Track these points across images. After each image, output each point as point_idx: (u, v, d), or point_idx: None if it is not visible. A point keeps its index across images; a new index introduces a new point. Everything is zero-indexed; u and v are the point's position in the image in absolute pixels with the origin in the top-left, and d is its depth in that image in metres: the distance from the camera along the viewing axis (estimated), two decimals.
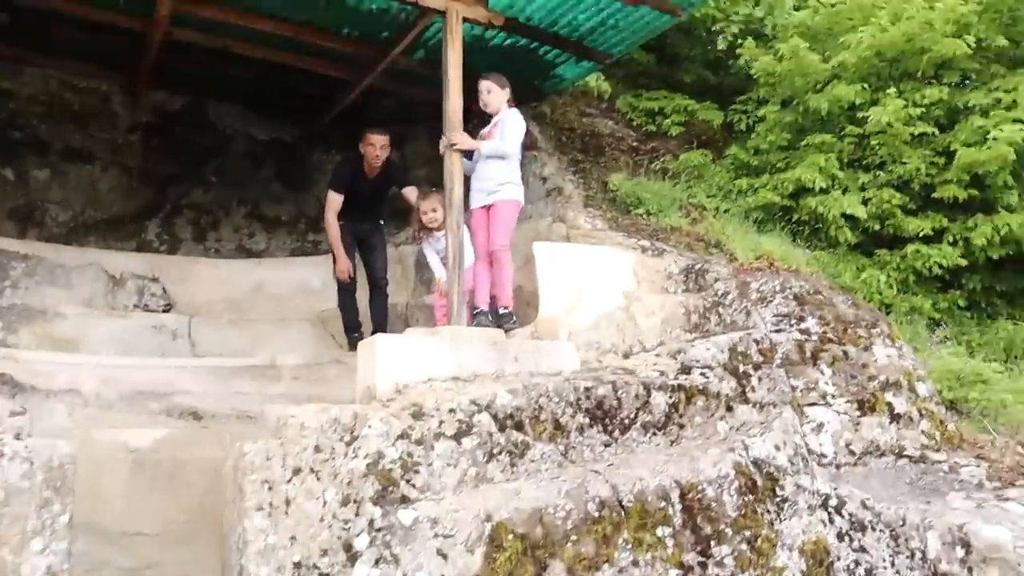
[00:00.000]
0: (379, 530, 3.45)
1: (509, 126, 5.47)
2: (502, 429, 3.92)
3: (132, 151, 8.09)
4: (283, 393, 6.33)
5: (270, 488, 3.38)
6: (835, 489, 4.29)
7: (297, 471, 3.44)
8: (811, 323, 5.14)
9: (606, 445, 4.27)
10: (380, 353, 3.95)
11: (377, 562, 3.39)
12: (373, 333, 6.49)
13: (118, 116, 8.01)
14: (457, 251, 4.81)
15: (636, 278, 5.42)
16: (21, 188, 7.47)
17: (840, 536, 4.15)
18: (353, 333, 6.47)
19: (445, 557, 3.35)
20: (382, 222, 6.84)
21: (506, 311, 5.02)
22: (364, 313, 6.64)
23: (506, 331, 4.86)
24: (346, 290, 6.56)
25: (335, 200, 6.54)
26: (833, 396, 4.83)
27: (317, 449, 3.50)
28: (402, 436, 3.66)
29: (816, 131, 7.26)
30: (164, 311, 7.35)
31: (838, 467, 4.60)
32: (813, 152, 7.06)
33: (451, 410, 3.83)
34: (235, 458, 3.51)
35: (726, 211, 6.86)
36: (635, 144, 7.96)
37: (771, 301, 5.20)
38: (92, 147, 7.88)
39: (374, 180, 6.60)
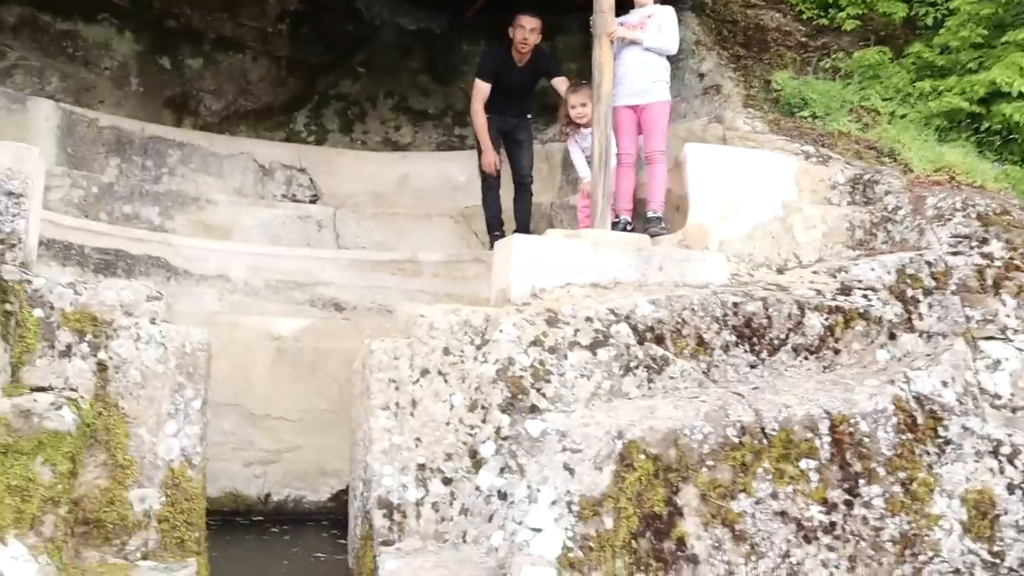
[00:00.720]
0: (505, 439, 3.33)
1: (668, 21, 5.07)
2: (641, 342, 3.69)
3: (282, 40, 8.08)
4: (422, 289, 6.33)
5: (397, 388, 3.31)
6: (1009, 436, 3.84)
7: (425, 372, 3.34)
8: (995, 246, 4.54)
9: (752, 366, 3.97)
10: (516, 255, 3.77)
11: (502, 471, 3.29)
12: (515, 232, 6.32)
13: (268, 4, 7.98)
14: (603, 149, 4.50)
15: (797, 187, 4.96)
16: (177, 76, 7.62)
17: (1011, 488, 3.72)
18: (495, 232, 6.31)
19: (572, 472, 3.19)
20: (529, 116, 6.56)
21: (655, 215, 4.71)
22: (508, 211, 6.46)
23: (652, 236, 4.56)
24: (490, 186, 6.37)
25: (482, 88, 6.29)
26: (1015, 331, 4.28)
27: (446, 351, 3.39)
28: (535, 343, 3.49)
29: (1019, 26, 6.34)
30: (310, 202, 7.44)
31: (1014, 411, 4.11)
32: (1014, 51, 6.17)
33: (588, 318, 3.62)
34: (363, 355, 3.45)
35: (903, 117, 6.15)
36: (803, 40, 7.24)
37: (949, 219, 4.63)
38: (243, 36, 7.91)
39: (522, 69, 6.29)
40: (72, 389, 2.82)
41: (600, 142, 4.52)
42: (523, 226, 6.35)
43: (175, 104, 7.59)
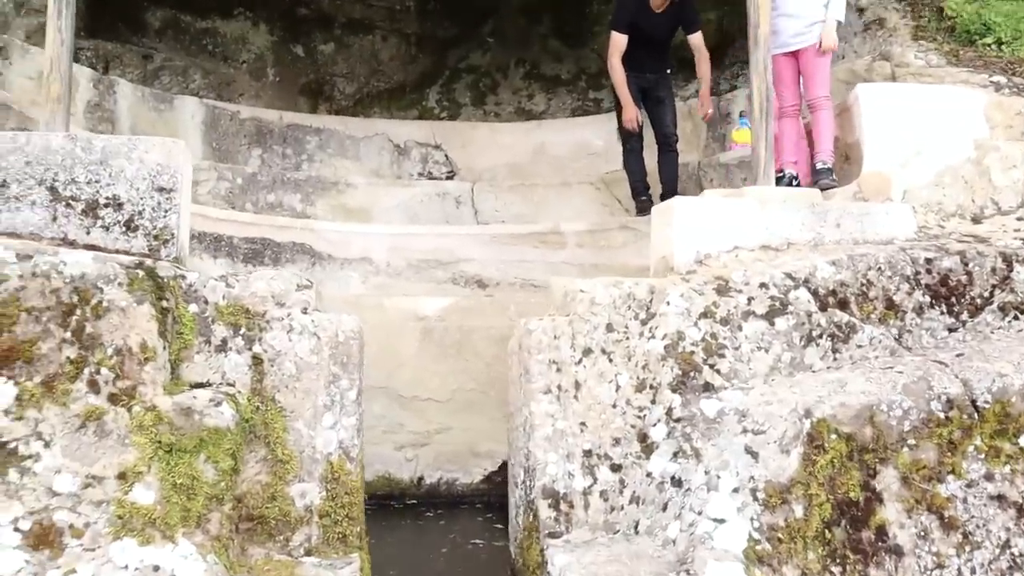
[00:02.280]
0: (678, 420, 3.04)
1: None
2: (823, 308, 3.30)
3: (410, 17, 7.98)
4: (567, 261, 6.08)
5: (558, 369, 3.08)
6: None
7: (587, 352, 3.09)
8: None
9: (951, 330, 3.50)
10: (678, 219, 3.44)
11: (675, 456, 3.00)
12: (662, 196, 5.97)
13: None
14: (763, 98, 4.09)
15: (989, 123, 4.38)
16: (310, 63, 7.65)
17: None
18: (641, 196, 5.97)
19: (755, 456, 2.87)
20: (669, 71, 6.15)
21: (824, 166, 4.25)
22: (652, 174, 6.10)
23: (823, 189, 4.12)
24: (632, 148, 6.02)
25: (618, 41, 5.92)
26: None
27: (609, 328, 3.12)
28: (705, 314, 3.18)
29: None
30: (447, 178, 7.32)
31: None
32: None
33: (762, 284, 3.27)
34: (520, 335, 3.23)
35: None
36: None
37: None
38: (372, 16, 7.86)
39: (660, 17, 5.89)
40: (230, 384, 2.73)
41: (760, 91, 4.10)
42: (670, 189, 5.98)
43: (310, 91, 7.62)
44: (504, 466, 5.40)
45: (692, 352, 3.11)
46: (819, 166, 4.24)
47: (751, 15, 4.21)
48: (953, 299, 3.52)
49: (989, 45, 5.38)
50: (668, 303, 3.14)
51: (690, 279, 3.31)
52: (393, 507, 5.06)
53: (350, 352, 2.95)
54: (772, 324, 3.21)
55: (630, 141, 6.00)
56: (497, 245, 6.21)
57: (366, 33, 7.85)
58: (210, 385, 2.70)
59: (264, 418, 2.74)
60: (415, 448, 5.38)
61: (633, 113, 5.89)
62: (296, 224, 5.94)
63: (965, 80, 4.73)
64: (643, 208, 5.93)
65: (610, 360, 3.09)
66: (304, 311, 2.90)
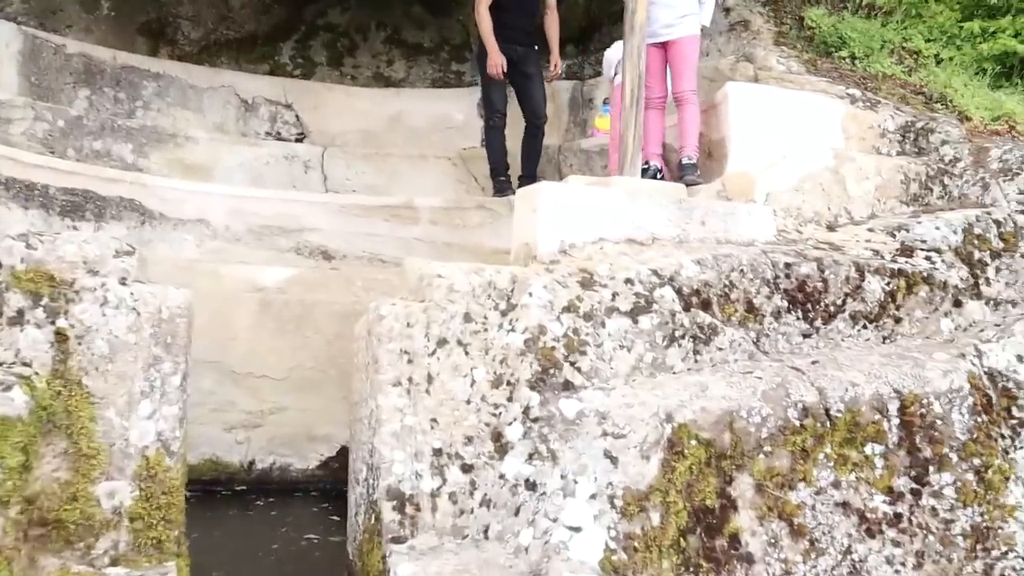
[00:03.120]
0: (536, 420, 2.88)
1: None
2: (687, 308, 3.23)
3: None
4: (419, 237, 5.83)
5: (410, 360, 2.84)
6: None
7: (442, 342, 2.87)
8: None
9: (805, 336, 3.52)
10: (544, 205, 3.27)
11: (531, 457, 2.84)
12: (522, 179, 5.82)
13: None
14: (635, 86, 3.98)
15: (844, 134, 4.48)
16: (152, 1, 6.95)
17: None
18: (499, 176, 5.79)
19: (615, 461, 2.75)
20: (537, 48, 5.99)
21: (690, 162, 4.19)
22: (512, 155, 5.93)
23: (688, 185, 4.07)
24: (494, 125, 5.81)
25: None
26: None
27: (467, 318, 2.91)
28: (568, 308, 3.02)
29: None
30: (296, 140, 6.87)
31: None
32: None
33: (628, 280, 3.15)
34: (370, 320, 2.96)
35: (949, 60, 5.65)
36: None
37: (1018, 174, 4.18)
38: None
39: None
40: (25, 364, 2.31)
41: (632, 79, 3.99)
42: (531, 170, 5.85)
43: (150, 31, 6.94)
44: (342, 452, 5.11)
45: (553, 348, 2.95)
46: (685, 161, 4.19)
47: (628, 1, 4.08)
48: (809, 305, 3.54)
49: (844, 58, 5.54)
50: (531, 294, 2.97)
51: (554, 270, 3.15)
52: (220, 495, 4.67)
53: (176, 331, 2.59)
54: (636, 322, 3.11)
55: (493, 117, 5.80)
56: (346, 216, 5.86)
57: None
58: (0, 365, 2.28)
59: (67, 405, 2.35)
60: (247, 430, 4.99)
61: (498, 59, 5.67)
62: (125, 177, 5.37)
63: (824, 90, 4.82)
64: (500, 189, 5.77)
65: (466, 352, 2.88)
66: (123, 281, 2.51)
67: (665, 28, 4.49)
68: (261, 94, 6.87)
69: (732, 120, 4.16)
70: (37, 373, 2.32)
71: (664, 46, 4.45)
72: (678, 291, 3.23)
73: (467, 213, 5.59)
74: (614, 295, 3.11)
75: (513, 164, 5.97)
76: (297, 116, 6.92)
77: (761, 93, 4.29)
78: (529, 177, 5.80)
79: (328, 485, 4.87)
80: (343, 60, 7.58)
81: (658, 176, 4.32)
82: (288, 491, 4.88)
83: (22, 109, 5.40)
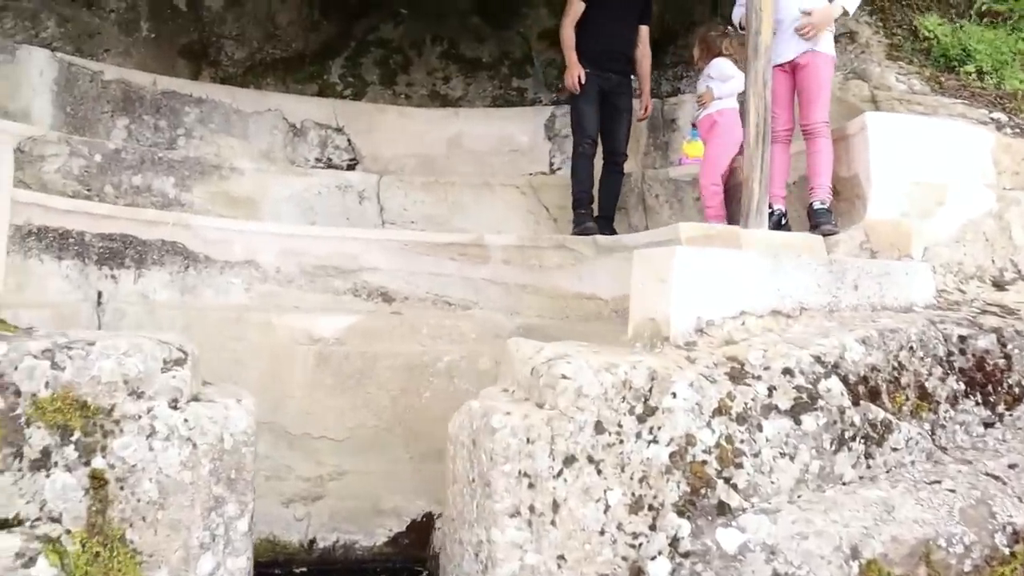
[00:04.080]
0: (686, 555, 2.30)
1: None
2: (856, 402, 2.63)
3: None
4: (490, 278, 5.28)
5: (531, 484, 2.27)
6: None
7: (570, 460, 2.30)
8: None
9: (987, 424, 2.91)
10: (678, 274, 2.68)
11: None
12: (598, 219, 5.24)
13: None
14: (761, 119, 3.38)
15: (997, 167, 3.84)
16: (194, 20, 6.45)
17: None
18: (581, 210, 5.19)
19: None
20: (633, 78, 5.40)
21: (823, 207, 3.56)
22: None
23: (824, 235, 3.46)
24: (583, 153, 5.20)
25: (575, 7, 5.22)
26: None
27: (599, 428, 2.34)
28: (719, 411, 2.44)
29: None
30: (349, 167, 6.34)
31: None
32: None
33: (787, 371, 2.56)
34: (476, 430, 2.40)
35: None
36: None
37: None
38: None
39: None
40: (53, 520, 1.79)
41: (757, 110, 3.40)
42: (609, 211, 5.27)
43: (192, 53, 6.44)
44: (412, 527, 4.58)
45: (704, 462, 2.37)
46: (816, 205, 3.56)
47: (751, 20, 3.49)
48: (990, 387, 2.93)
49: (970, 74, 4.89)
50: (674, 395, 2.38)
51: (696, 358, 2.56)
52: None
53: (241, 464, 2.05)
54: (798, 423, 2.51)
55: (583, 143, 5.22)
56: (408, 254, 5.32)
57: None
58: (20, 524, 1.75)
59: (107, 568, 1.81)
60: (306, 503, 4.47)
61: (577, 71, 5.15)
62: (167, 219, 4.86)
63: (963, 114, 4.19)
64: (581, 222, 5.18)
65: (599, 471, 2.31)
66: (174, 404, 1.97)
67: (795, 47, 3.85)
68: (310, 117, 6.34)
69: (872, 156, 3.54)
70: (69, 531, 1.79)
71: (792, 68, 3.82)
72: (844, 380, 2.63)
73: (544, 252, 5.02)
74: (771, 390, 2.52)
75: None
76: (349, 140, 6.39)
77: (904, 123, 3.67)
78: (607, 218, 5.23)
79: (398, 564, 4.36)
80: (396, 78, 7.03)
81: (783, 221, 3.71)
82: (354, 571, 4.35)
83: (56, 145, 4.92)
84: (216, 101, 6.02)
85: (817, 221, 3.50)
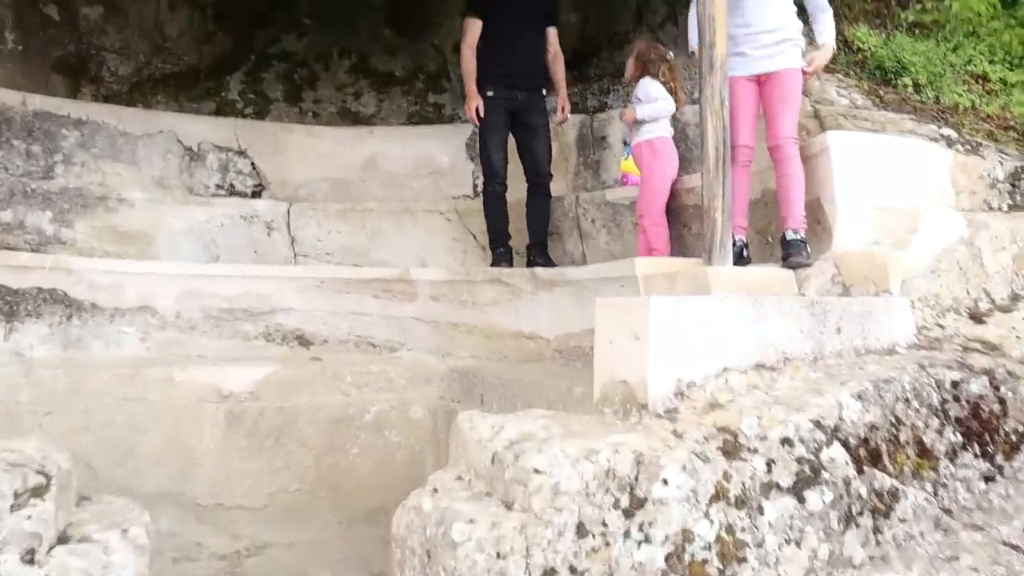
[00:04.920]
0: None
1: None
2: (860, 469, 2.31)
3: None
4: (418, 316, 4.84)
5: None
6: None
7: (550, 574, 1.90)
8: None
9: (987, 479, 2.64)
10: (656, 330, 2.31)
11: None
12: (530, 248, 4.88)
13: None
14: (720, 141, 3.07)
15: (955, 187, 3.64)
16: (69, 31, 5.79)
17: None
18: (499, 247, 4.83)
19: None
20: (544, 93, 5.06)
21: (796, 238, 3.24)
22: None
23: (793, 268, 3.16)
24: (493, 192, 4.87)
25: (473, 26, 4.92)
26: None
27: (580, 530, 1.94)
28: (717, 496, 2.08)
29: None
30: (254, 193, 5.81)
31: None
32: None
33: (785, 441, 2.22)
34: (430, 538, 1.97)
35: (1019, 84, 4.90)
36: None
37: None
38: None
39: None
40: None
41: (716, 132, 3.08)
42: (541, 236, 4.91)
43: (68, 68, 5.80)
44: None
45: (705, 561, 2.01)
46: (790, 236, 3.25)
47: (704, 30, 3.16)
48: (987, 436, 2.67)
49: (907, 87, 4.73)
50: (665, 482, 2.02)
51: (683, 432, 2.20)
52: None
53: None
54: (802, 501, 2.18)
55: (492, 183, 4.87)
56: (325, 292, 4.85)
57: None
58: None
59: None
60: None
61: (475, 102, 4.84)
62: (43, 262, 4.26)
63: (912, 130, 3.99)
64: (498, 262, 4.81)
65: None
66: (30, 556, 1.47)
67: (765, 57, 3.54)
68: (208, 139, 5.77)
69: (837, 179, 3.28)
70: None
71: (757, 80, 3.51)
72: (845, 444, 2.32)
73: (477, 287, 4.61)
74: (769, 464, 2.18)
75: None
76: (253, 164, 5.85)
77: (868, 143, 3.40)
78: (540, 245, 4.88)
79: None
80: (302, 94, 6.53)
81: (744, 254, 3.40)
82: None
83: None
84: (99, 122, 5.40)
85: (788, 253, 3.20)
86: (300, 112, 6.47)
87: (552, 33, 5.13)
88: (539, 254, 4.85)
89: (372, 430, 4.40)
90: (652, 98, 4.26)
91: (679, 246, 4.21)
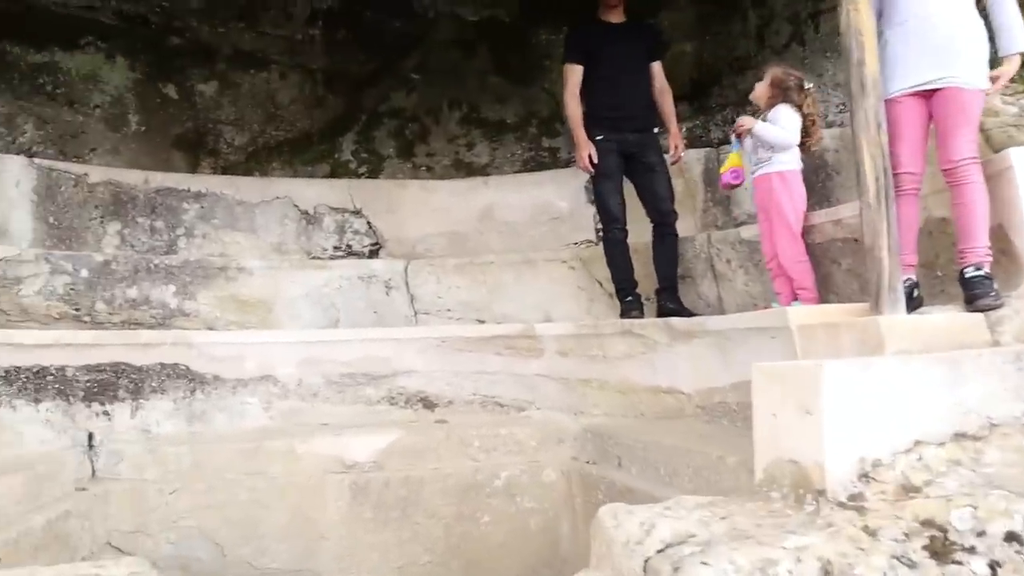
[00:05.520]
0: None
1: None
2: None
3: (314, 49, 6.34)
4: (544, 373, 4.57)
5: None
6: None
7: None
8: None
9: None
10: (831, 400, 1.93)
11: None
12: (660, 292, 4.53)
13: (293, 4, 6.25)
14: (880, 170, 2.66)
15: None
16: (187, 108, 5.89)
17: None
18: (627, 297, 4.51)
19: None
20: (656, 130, 4.75)
21: (979, 274, 2.76)
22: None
23: (982, 311, 2.70)
24: (613, 238, 4.58)
25: (574, 73, 4.71)
26: None
27: None
28: None
29: None
30: (371, 253, 5.70)
31: None
32: None
33: (1011, 536, 1.79)
34: None
35: None
36: None
37: None
38: (266, 48, 6.18)
39: (622, 36, 4.71)
40: None
41: (874, 159, 2.67)
42: (670, 280, 4.55)
43: (188, 143, 5.88)
44: None
45: None
46: (971, 273, 2.79)
47: (850, 47, 2.78)
48: None
49: None
50: None
51: (876, 528, 1.80)
52: None
53: None
54: None
55: (611, 228, 4.57)
56: (447, 351, 4.64)
57: (259, 69, 6.18)
58: None
59: None
60: None
61: (586, 151, 4.57)
62: (165, 339, 4.22)
63: None
64: (628, 311, 4.48)
65: None
66: None
67: (937, 68, 2.99)
68: (323, 201, 5.72)
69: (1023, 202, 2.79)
70: None
71: (926, 96, 3.05)
72: None
73: (607, 340, 4.28)
74: (993, 568, 1.75)
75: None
76: (369, 223, 5.76)
77: None
78: (670, 289, 4.52)
79: None
80: (414, 149, 6.42)
81: (914, 295, 2.94)
82: None
83: (34, 264, 4.30)
84: (217, 194, 5.43)
85: (974, 293, 2.72)
86: (413, 167, 6.36)
87: (657, 68, 4.85)
88: (669, 299, 4.50)
89: (503, 496, 4.14)
90: (782, 127, 3.89)
91: (826, 285, 3.79)
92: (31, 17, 5.40)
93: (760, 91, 3.99)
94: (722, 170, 4.24)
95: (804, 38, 5.60)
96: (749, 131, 3.91)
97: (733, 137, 4.13)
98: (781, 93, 3.88)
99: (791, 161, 3.87)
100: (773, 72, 3.96)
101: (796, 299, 3.67)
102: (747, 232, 4.43)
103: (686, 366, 3.93)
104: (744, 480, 2.75)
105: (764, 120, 3.99)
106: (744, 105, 5.21)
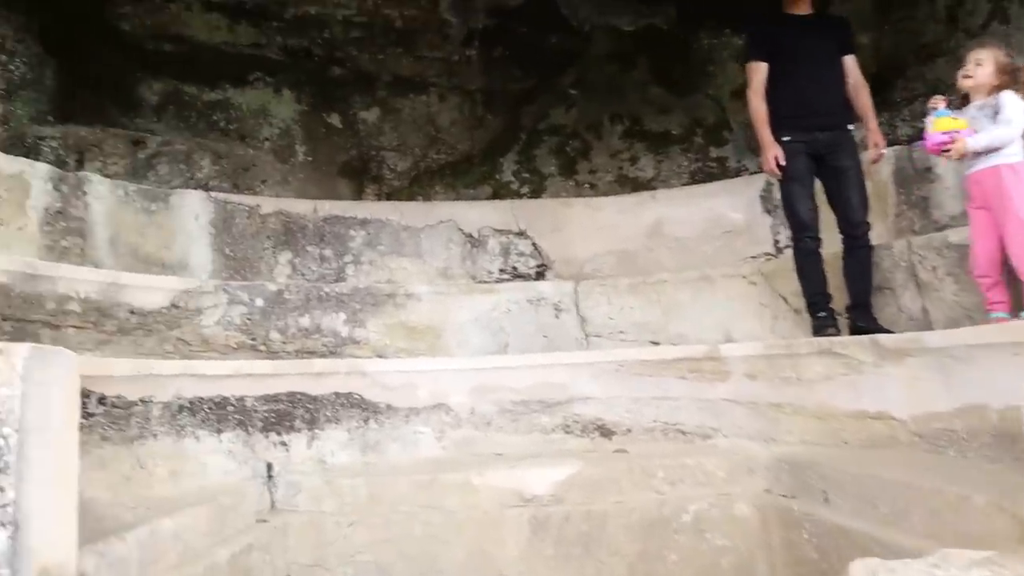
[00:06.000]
0: None
1: None
2: None
3: (471, 70, 6.29)
4: (731, 398, 4.18)
5: None
6: None
7: None
8: None
9: None
10: None
11: None
12: (852, 309, 4.10)
13: (449, 25, 6.21)
14: None
15: None
16: (350, 136, 5.93)
17: None
18: (819, 312, 4.09)
19: None
20: (851, 128, 4.33)
21: None
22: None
23: None
24: (804, 248, 4.20)
25: (757, 71, 4.36)
26: None
27: None
28: None
29: None
30: (537, 275, 5.52)
31: None
32: None
33: None
34: None
35: None
36: None
37: None
38: (424, 72, 6.17)
39: (808, 25, 4.36)
40: None
41: None
42: (863, 297, 4.10)
43: (352, 171, 5.92)
44: None
45: None
46: None
47: None
48: None
49: None
50: None
51: None
52: None
53: None
54: None
55: (802, 237, 4.19)
56: (625, 376, 4.34)
57: (418, 93, 6.17)
58: None
59: None
60: None
61: (773, 152, 4.21)
62: (339, 368, 4.14)
63: None
64: (821, 328, 4.06)
65: None
66: None
67: None
68: (487, 223, 5.59)
69: None
70: None
71: None
72: None
73: (801, 361, 3.88)
74: None
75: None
76: (534, 244, 5.58)
77: None
78: (862, 306, 4.07)
79: None
80: (576, 166, 6.23)
81: None
82: None
83: (213, 295, 4.35)
84: (382, 220, 5.39)
85: None
86: (576, 184, 6.16)
87: (850, 61, 4.43)
88: (861, 316, 4.05)
89: (691, 532, 3.78)
90: (1008, 119, 3.41)
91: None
92: (204, 58, 5.58)
93: (983, 77, 3.52)
94: (933, 130, 3.71)
95: (1008, 14, 5.02)
96: (963, 155, 3.47)
97: (938, 106, 3.65)
98: (1010, 79, 3.41)
99: (1020, 152, 3.40)
100: (995, 56, 3.49)
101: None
102: (955, 236, 3.91)
103: (898, 388, 3.47)
104: (1001, 526, 2.32)
105: (978, 107, 3.54)
106: (931, 96, 4.70)
